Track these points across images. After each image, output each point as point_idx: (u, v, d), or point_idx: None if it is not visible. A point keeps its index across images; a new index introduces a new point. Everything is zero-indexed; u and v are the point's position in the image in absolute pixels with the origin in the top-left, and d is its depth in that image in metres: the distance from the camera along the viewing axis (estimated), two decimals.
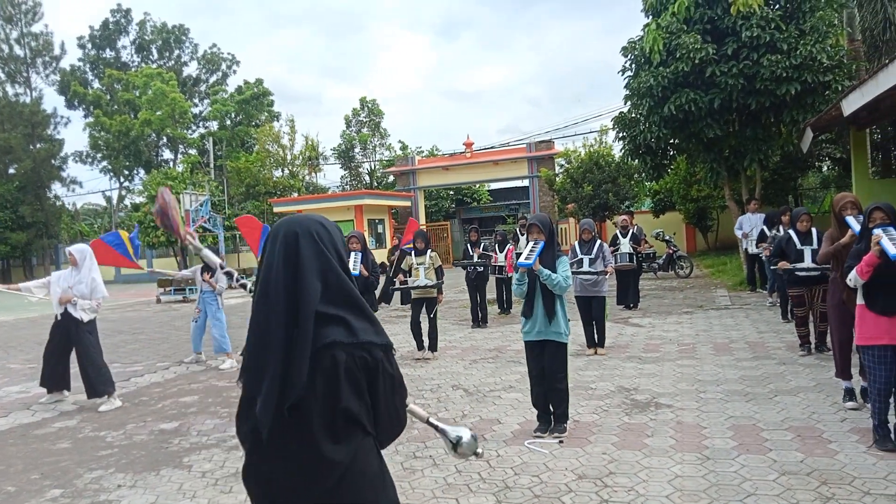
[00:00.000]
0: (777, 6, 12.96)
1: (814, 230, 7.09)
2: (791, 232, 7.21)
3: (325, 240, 1.76)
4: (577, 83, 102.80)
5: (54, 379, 7.16)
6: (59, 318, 6.99)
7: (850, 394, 5.32)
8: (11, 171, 39.14)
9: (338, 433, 1.68)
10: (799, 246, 7.03)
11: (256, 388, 1.68)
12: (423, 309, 8.51)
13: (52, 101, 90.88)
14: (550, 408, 5.14)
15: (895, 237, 4.19)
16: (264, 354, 1.67)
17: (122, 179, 44.04)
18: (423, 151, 38.60)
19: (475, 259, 11.12)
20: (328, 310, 1.68)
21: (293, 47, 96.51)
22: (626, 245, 11.83)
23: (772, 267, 7.23)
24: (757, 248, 11.26)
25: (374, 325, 1.74)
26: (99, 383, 6.88)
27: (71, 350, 7.04)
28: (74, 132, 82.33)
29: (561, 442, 4.88)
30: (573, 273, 7.66)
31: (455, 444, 2.22)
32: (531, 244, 5.06)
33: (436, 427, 2.24)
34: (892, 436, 4.32)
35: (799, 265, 6.96)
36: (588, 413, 5.58)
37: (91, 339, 6.96)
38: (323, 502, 1.69)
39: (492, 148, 34.85)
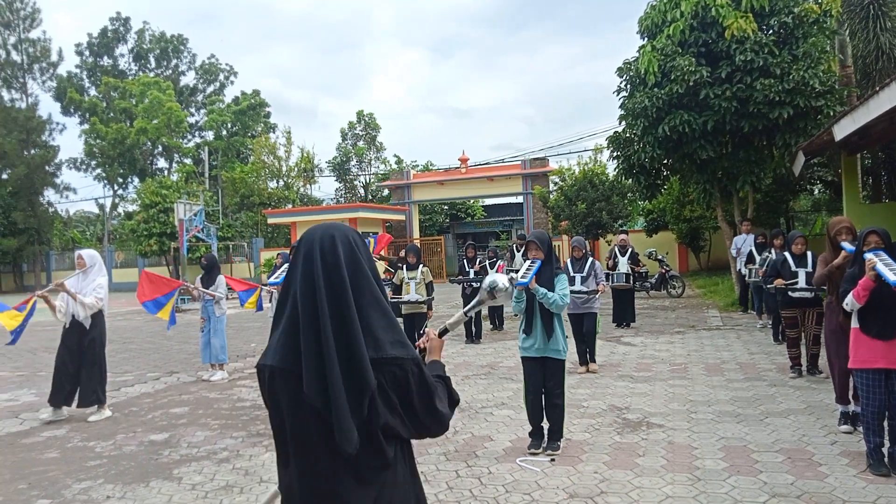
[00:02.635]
0: (770, 31, 13.16)
1: (809, 253, 7.18)
2: (786, 254, 7.30)
3: (360, 246, 1.73)
4: (571, 103, 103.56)
5: (62, 395, 6.77)
6: (67, 326, 6.75)
7: (845, 417, 5.34)
8: (4, 176, 38.99)
9: (373, 449, 1.63)
10: (794, 268, 7.11)
11: (317, 398, 1.58)
12: (413, 325, 8.50)
13: (48, 107, 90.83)
14: (545, 423, 5.15)
15: (888, 261, 4.23)
16: (320, 361, 1.57)
17: (115, 187, 43.93)
18: (417, 166, 38.73)
19: (472, 275, 11.10)
20: (363, 318, 1.62)
21: (289, 61, 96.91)
22: (623, 264, 11.88)
23: (767, 286, 7.31)
24: (746, 268, 11.34)
25: (403, 339, 1.68)
26: (98, 393, 6.79)
27: (81, 363, 6.75)
28: (69, 139, 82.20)
29: (553, 460, 4.88)
30: None
31: (491, 292, 2.27)
32: (528, 262, 5.08)
33: (473, 308, 2.32)
34: (886, 460, 4.34)
35: (793, 286, 7.04)
36: (580, 431, 5.59)
37: (98, 349, 6.80)
38: None
39: (486, 164, 35.02)
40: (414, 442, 1.86)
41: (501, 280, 2.25)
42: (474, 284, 11.06)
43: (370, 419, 1.60)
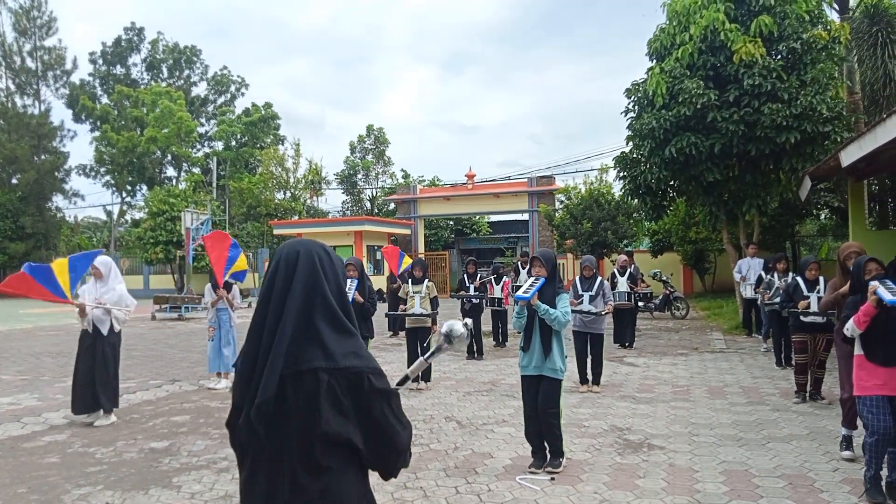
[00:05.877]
0: (779, 56, 13.23)
1: (821, 278, 7.20)
2: (798, 279, 7.32)
3: (325, 262, 1.80)
4: (578, 121, 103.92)
5: (85, 401, 6.79)
6: (88, 332, 6.80)
7: (847, 441, 5.31)
8: (15, 181, 39.34)
9: (316, 461, 1.66)
10: (806, 293, 7.11)
11: (240, 397, 1.74)
12: (417, 338, 8.50)
13: (60, 113, 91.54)
14: (546, 444, 5.13)
15: (892, 287, 4.26)
16: (251, 364, 1.71)
17: (124, 194, 44.25)
18: (424, 181, 38.89)
19: (471, 291, 11.09)
20: (311, 330, 1.70)
21: (300, 74, 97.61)
22: (623, 284, 11.89)
23: (789, 311, 7.32)
24: (755, 292, 11.31)
25: (358, 350, 1.73)
26: (100, 399, 6.77)
27: (94, 368, 6.75)
28: (80, 145, 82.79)
29: (553, 479, 4.86)
30: (573, 311, 7.67)
31: (448, 337, 2.24)
32: (532, 279, 5.09)
33: (432, 355, 2.28)
34: (884, 489, 4.31)
35: (805, 311, 7.04)
36: (580, 451, 5.57)
37: (110, 353, 6.82)
38: None
39: (493, 181, 35.14)
40: (413, 457, 1.84)
41: (458, 326, 2.27)
42: (473, 300, 11.04)
43: (309, 425, 1.65)
